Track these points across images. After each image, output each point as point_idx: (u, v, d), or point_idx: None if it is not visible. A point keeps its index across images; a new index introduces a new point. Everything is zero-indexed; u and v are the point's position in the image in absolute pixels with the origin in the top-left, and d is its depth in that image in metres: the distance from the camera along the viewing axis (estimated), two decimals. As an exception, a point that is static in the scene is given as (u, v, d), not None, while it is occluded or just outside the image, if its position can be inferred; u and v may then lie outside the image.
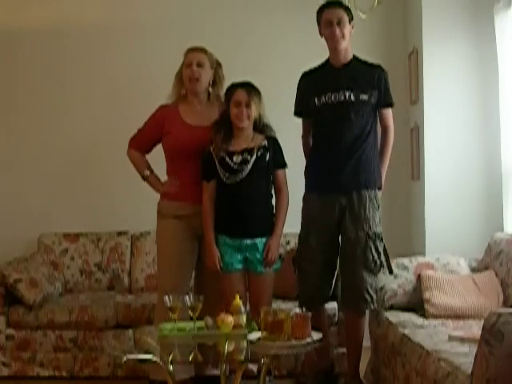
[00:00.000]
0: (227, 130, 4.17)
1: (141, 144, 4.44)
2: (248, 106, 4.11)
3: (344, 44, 4.29)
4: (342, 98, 4.26)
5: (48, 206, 5.83)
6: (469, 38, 5.27)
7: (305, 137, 4.51)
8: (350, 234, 4.24)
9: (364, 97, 4.27)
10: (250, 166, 4.13)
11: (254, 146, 4.17)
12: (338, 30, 4.24)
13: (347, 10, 4.31)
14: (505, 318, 2.66)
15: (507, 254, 4.29)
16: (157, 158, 4.46)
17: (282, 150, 4.25)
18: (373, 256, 4.22)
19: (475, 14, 5.24)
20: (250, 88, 4.16)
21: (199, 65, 4.30)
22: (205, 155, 4.18)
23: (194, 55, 4.33)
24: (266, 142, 4.19)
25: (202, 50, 4.36)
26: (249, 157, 4.14)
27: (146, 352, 3.46)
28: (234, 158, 4.14)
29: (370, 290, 4.24)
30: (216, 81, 4.40)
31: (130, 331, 5.00)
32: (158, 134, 4.36)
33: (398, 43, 5.87)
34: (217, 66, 4.40)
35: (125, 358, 3.49)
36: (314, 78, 4.43)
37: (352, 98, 4.26)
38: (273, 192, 4.28)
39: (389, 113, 4.43)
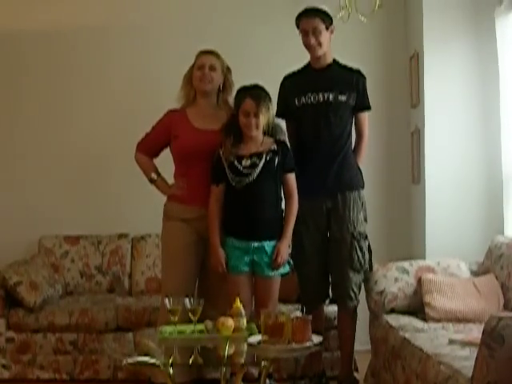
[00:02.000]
0: (237, 135, 4.16)
1: (148, 148, 4.43)
2: (256, 115, 4.09)
3: (321, 52, 4.40)
4: (321, 98, 4.38)
5: (49, 209, 5.82)
6: (470, 41, 5.28)
7: (290, 138, 4.56)
8: (336, 235, 4.41)
9: (342, 98, 4.39)
10: (258, 169, 4.12)
11: (264, 150, 4.16)
12: (313, 40, 4.35)
13: (325, 16, 4.36)
14: (505, 322, 2.66)
15: (508, 257, 4.29)
16: (165, 160, 4.46)
17: (292, 154, 4.24)
18: (358, 256, 4.41)
19: (476, 17, 5.25)
20: (258, 96, 4.12)
21: (212, 68, 4.30)
22: (214, 159, 4.18)
23: (207, 58, 4.32)
24: (275, 146, 4.18)
25: (215, 54, 4.36)
26: (258, 160, 4.13)
27: (147, 355, 3.46)
28: (243, 162, 4.14)
29: (354, 287, 4.43)
30: (226, 86, 4.39)
31: (131, 334, 5.00)
32: (166, 139, 4.35)
33: (398, 46, 5.87)
34: (227, 71, 4.39)
35: (125, 361, 3.48)
36: (294, 80, 4.54)
37: (331, 98, 4.38)
38: (282, 195, 4.28)
39: (365, 117, 4.55)
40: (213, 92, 4.36)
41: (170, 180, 4.43)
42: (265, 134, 4.20)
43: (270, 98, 4.19)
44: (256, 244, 4.15)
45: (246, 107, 4.11)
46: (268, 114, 4.14)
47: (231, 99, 4.38)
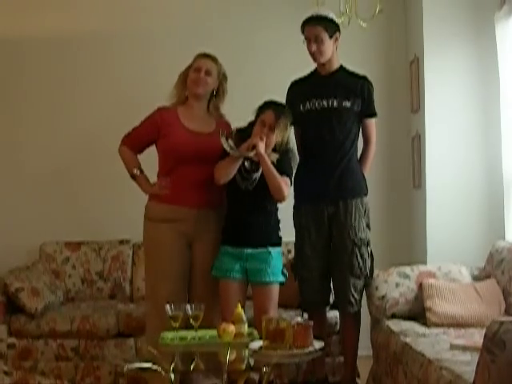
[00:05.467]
0: (242, 142, 4.12)
1: (134, 143, 4.38)
2: (272, 129, 4.07)
3: (323, 59, 4.40)
4: (326, 104, 4.38)
5: (49, 215, 5.82)
6: (470, 46, 5.30)
7: (298, 145, 4.57)
8: (337, 242, 4.41)
9: (347, 104, 4.38)
10: (258, 174, 4.12)
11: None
12: (314, 47, 4.35)
13: (329, 23, 4.35)
14: (506, 327, 2.65)
15: (509, 262, 4.29)
16: (148, 159, 4.41)
17: (291, 161, 4.22)
18: (358, 262, 4.40)
19: (476, 22, 5.26)
20: (281, 112, 4.11)
21: (207, 72, 4.29)
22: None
23: (205, 62, 4.31)
24: (276, 158, 4.13)
25: (214, 59, 4.35)
26: (258, 167, 4.13)
27: (148, 361, 3.46)
28: (246, 164, 4.13)
29: (355, 293, 4.42)
30: (219, 92, 4.38)
31: (132, 340, 5.00)
32: (154, 136, 4.31)
33: (399, 51, 5.88)
34: (222, 78, 4.38)
35: (126, 368, 3.48)
36: (300, 86, 4.55)
37: (335, 104, 4.37)
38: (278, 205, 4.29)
39: (372, 124, 4.56)
40: (205, 96, 4.34)
41: (153, 179, 4.39)
42: (274, 150, 4.16)
43: (290, 119, 4.17)
44: (249, 250, 4.15)
45: (265, 118, 4.10)
46: (283, 134, 4.12)
47: (222, 106, 4.41)
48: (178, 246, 4.23)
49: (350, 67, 4.54)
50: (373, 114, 4.52)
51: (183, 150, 4.21)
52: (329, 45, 4.36)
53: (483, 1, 5.20)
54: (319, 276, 4.45)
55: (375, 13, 5.12)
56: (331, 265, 4.44)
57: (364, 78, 4.49)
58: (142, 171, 4.38)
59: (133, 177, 4.38)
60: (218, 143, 4.09)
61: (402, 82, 5.83)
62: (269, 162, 4.04)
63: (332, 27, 4.35)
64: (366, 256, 4.42)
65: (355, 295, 4.41)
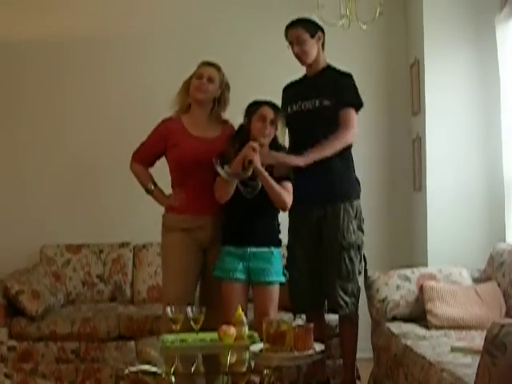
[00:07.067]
0: (242, 145, 4.08)
1: (144, 158, 4.42)
2: (272, 123, 4.08)
3: (309, 60, 4.42)
4: (310, 106, 4.39)
5: (50, 218, 5.83)
6: (470, 48, 5.30)
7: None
8: (325, 245, 4.39)
9: (327, 102, 4.36)
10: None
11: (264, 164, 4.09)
12: (297, 49, 4.39)
13: (308, 24, 4.37)
14: (507, 329, 2.65)
15: (509, 264, 4.28)
16: (160, 170, 4.45)
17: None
18: (346, 265, 4.36)
19: (477, 24, 5.26)
20: (277, 107, 4.14)
21: (210, 79, 4.30)
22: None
23: (208, 70, 4.33)
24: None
25: (217, 68, 4.37)
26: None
27: (149, 363, 3.45)
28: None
29: (344, 296, 4.38)
30: (221, 101, 4.39)
31: (132, 343, 4.99)
32: (162, 148, 4.34)
33: (399, 54, 5.89)
34: (225, 87, 4.39)
35: (127, 370, 3.48)
36: (291, 88, 4.59)
37: (316, 104, 4.37)
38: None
39: (347, 112, 4.34)
40: (206, 102, 4.35)
41: (166, 190, 4.41)
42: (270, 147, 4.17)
43: (284, 116, 4.17)
44: (253, 249, 4.14)
45: (264, 112, 4.09)
46: (282, 128, 4.14)
47: (223, 115, 4.41)
48: (190, 251, 4.26)
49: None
50: (348, 104, 4.35)
51: (192, 156, 4.22)
52: (312, 44, 4.37)
53: (483, 3, 5.21)
54: (307, 277, 4.43)
55: (375, 15, 5.12)
56: (321, 267, 4.42)
57: (347, 75, 4.44)
58: (155, 185, 4.43)
59: (148, 191, 4.41)
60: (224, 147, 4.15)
61: (403, 84, 5.83)
62: (268, 177, 4.03)
63: (312, 27, 4.37)
64: (354, 259, 4.38)
65: (345, 298, 4.37)
